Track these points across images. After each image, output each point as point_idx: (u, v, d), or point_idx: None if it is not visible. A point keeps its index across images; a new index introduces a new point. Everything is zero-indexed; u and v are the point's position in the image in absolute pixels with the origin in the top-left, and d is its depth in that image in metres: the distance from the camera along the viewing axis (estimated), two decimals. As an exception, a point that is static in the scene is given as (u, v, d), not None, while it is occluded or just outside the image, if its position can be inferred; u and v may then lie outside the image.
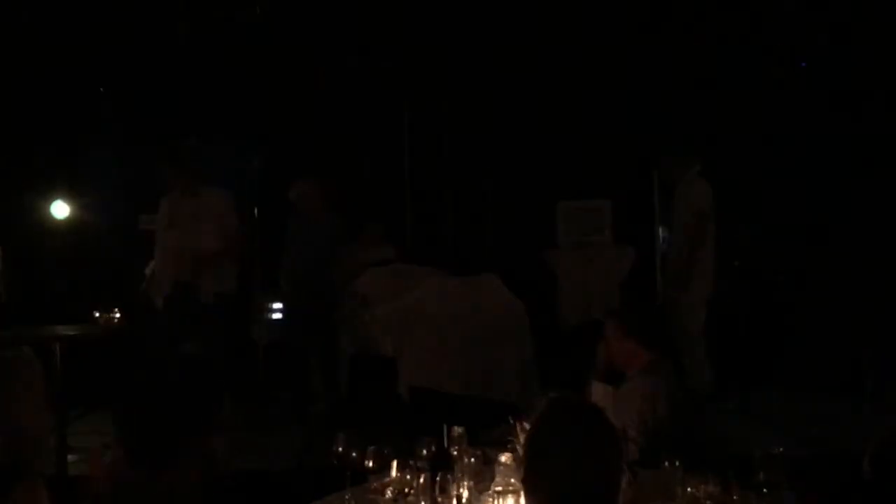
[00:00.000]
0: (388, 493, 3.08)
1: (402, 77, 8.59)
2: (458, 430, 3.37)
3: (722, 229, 7.14)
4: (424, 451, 3.19)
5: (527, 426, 3.30)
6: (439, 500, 3.01)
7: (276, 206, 8.42)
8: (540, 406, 2.34)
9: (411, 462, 3.11)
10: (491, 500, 3.01)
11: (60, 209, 7.89)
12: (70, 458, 5.55)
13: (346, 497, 3.16)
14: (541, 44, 8.39)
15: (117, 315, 7.08)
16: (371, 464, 3.15)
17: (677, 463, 3.04)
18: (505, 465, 3.11)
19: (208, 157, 7.66)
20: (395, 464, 3.10)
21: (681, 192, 6.95)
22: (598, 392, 3.98)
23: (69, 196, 7.95)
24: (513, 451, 3.26)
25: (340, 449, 3.19)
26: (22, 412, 2.38)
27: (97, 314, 7.08)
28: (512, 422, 3.44)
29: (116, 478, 2.17)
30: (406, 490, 3.05)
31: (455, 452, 3.29)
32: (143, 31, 8.22)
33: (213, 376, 2.15)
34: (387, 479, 3.12)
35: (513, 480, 3.01)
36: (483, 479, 3.22)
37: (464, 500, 3.08)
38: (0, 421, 2.35)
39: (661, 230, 8.27)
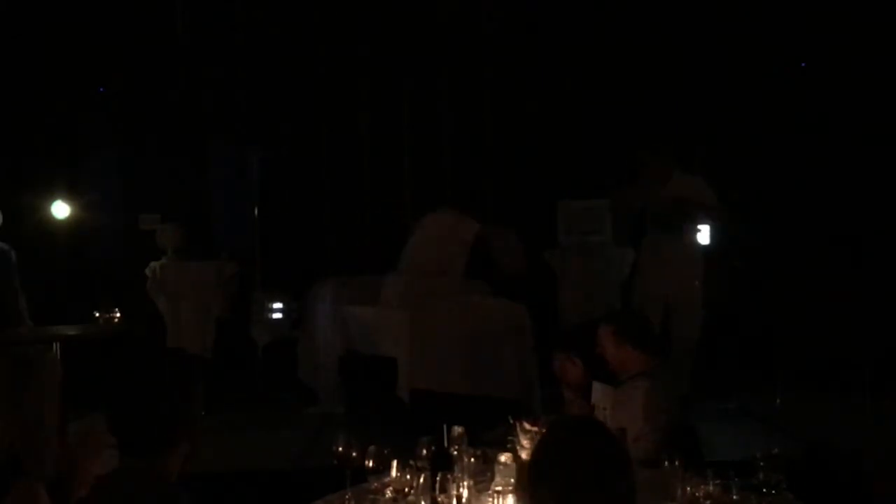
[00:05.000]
0: (388, 493, 3.08)
1: (402, 76, 8.59)
2: (458, 430, 3.37)
3: (722, 229, 7.15)
4: (424, 451, 3.19)
5: (527, 426, 3.31)
6: (439, 499, 3.01)
7: (276, 206, 8.44)
8: (545, 428, 2.28)
9: (411, 462, 3.10)
10: (491, 500, 3.01)
11: (60, 209, 7.89)
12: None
13: (346, 497, 3.15)
14: (541, 43, 8.39)
15: (117, 315, 7.09)
16: (371, 464, 3.14)
17: (677, 463, 3.04)
18: (505, 465, 3.11)
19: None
20: (395, 464, 3.10)
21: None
22: (598, 392, 3.98)
23: (69, 196, 7.95)
24: (513, 451, 3.26)
25: (340, 449, 3.19)
26: (31, 412, 2.38)
27: (97, 314, 7.08)
28: (512, 422, 3.44)
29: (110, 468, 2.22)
30: (406, 490, 3.05)
31: (455, 452, 3.28)
32: (143, 31, 8.23)
33: (196, 370, 2.21)
34: (387, 479, 3.12)
35: (513, 480, 3.01)
36: (483, 479, 3.22)
37: (464, 500, 3.08)
38: (9, 419, 2.35)
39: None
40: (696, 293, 7.02)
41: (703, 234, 7.55)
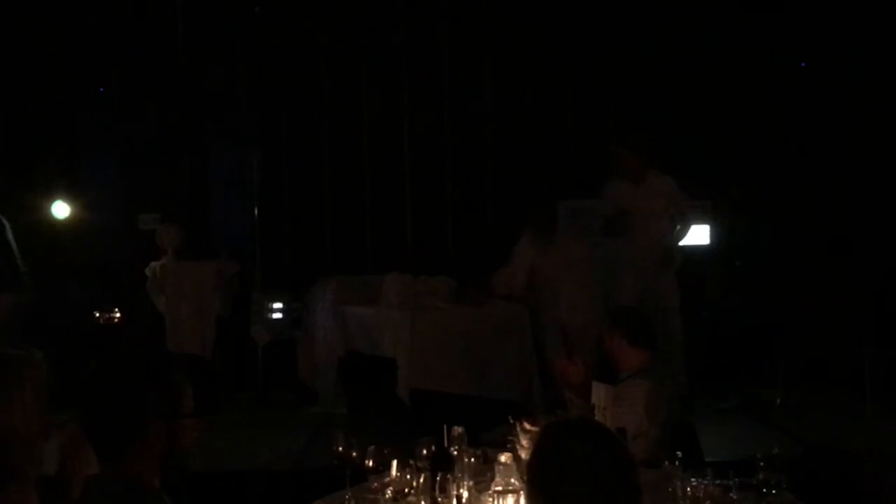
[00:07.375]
0: (388, 493, 3.08)
1: (401, 75, 8.59)
2: (458, 430, 3.37)
3: (722, 230, 7.14)
4: (424, 451, 3.19)
5: (527, 426, 3.31)
6: (439, 500, 3.01)
7: (276, 206, 8.44)
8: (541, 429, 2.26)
9: (411, 462, 3.11)
10: (491, 500, 3.01)
11: (60, 209, 7.88)
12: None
13: (346, 497, 3.16)
14: (541, 44, 8.39)
15: (117, 315, 7.10)
16: (371, 464, 3.15)
17: (677, 463, 3.04)
18: (505, 465, 3.11)
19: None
20: (395, 464, 3.10)
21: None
22: (599, 392, 3.99)
23: (69, 196, 7.95)
24: (513, 451, 3.26)
25: (340, 449, 3.19)
26: (19, 413, 2.37)
27: (97, 314, 7.10)
28: (512, 422, 3.44)
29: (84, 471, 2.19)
30: (406, 490, 3.05)
31: (455, 452, 3.29)
32: (143, 31, 8.23)
33: (169, 364, 2.12)
34: (387, 479, 3.12)
35: (513, 480, 3.01)
36: (483, 479, 3.22)
37: (464, 500, 3.08)
38: None
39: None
40: (668, 291, 6.92)
41: (704, 234, 7.56)
